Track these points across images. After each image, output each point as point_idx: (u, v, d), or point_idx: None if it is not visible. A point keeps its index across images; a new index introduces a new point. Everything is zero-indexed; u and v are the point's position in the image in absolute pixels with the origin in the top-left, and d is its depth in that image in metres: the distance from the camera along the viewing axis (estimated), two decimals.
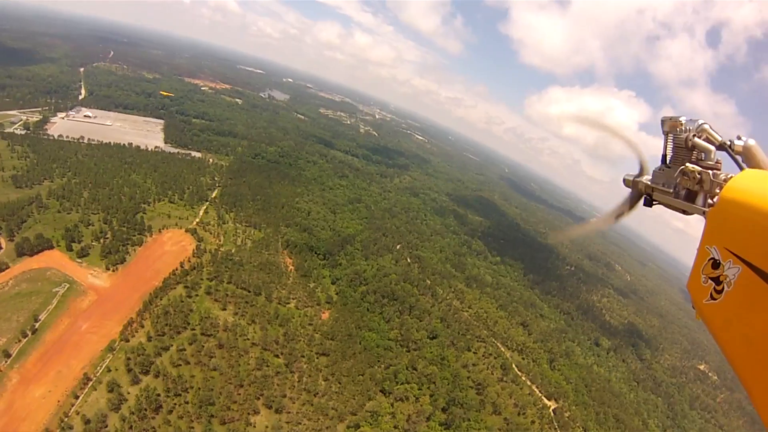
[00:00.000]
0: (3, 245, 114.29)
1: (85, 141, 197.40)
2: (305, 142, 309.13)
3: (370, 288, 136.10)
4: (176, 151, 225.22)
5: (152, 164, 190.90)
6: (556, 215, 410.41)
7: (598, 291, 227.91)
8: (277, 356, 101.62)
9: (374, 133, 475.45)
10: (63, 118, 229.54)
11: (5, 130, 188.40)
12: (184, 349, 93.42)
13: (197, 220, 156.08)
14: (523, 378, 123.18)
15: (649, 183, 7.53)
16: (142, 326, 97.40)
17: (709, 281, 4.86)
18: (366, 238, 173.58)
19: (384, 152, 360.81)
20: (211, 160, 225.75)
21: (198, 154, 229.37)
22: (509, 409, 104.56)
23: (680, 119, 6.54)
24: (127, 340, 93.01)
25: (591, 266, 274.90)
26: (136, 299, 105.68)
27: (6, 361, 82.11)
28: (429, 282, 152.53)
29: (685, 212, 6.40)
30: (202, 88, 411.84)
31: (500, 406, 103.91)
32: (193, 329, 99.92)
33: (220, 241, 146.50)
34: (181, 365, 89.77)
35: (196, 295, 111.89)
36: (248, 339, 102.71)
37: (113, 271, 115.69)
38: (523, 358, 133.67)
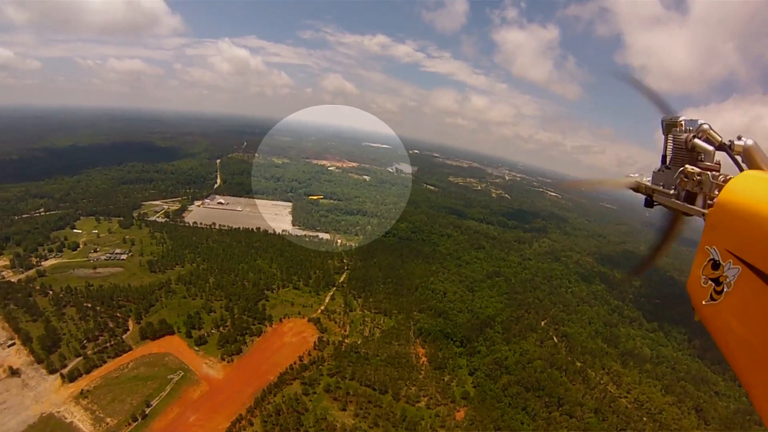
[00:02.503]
0: (130, 327, 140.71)
1: (217, 227, 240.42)
2: (437, 214, 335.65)
3: (513, 378, 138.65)
4: (303, 233, 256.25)
5: (278, 248, 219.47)
6: None
7: None
8: None
9: (506, 196, 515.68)
10: (199, 206, 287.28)
11: (149, 218, 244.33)
12: None
13: (322, 307, 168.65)
14: None
15: (649, 184, 8.79)
16: (251, 424, 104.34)
17: (709, 282, 5.69)
18: (507, 318, 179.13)
19: (519, 216, 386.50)
20: (339, 241, 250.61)
21: (326, 236, 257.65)
22: None
23: (680, 120, 7.76)
24: None
25: None
26: (249, 394, 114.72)
27: None
28: (579, 365, 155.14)
29: (685, 214, 7.51)
30: (329, 168, 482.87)
31: None
32: (306, 431, 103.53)
33: (345, 331, 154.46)
34: None
35: (314, 393, 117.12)
36: None
37: (228, 362, 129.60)
38: None
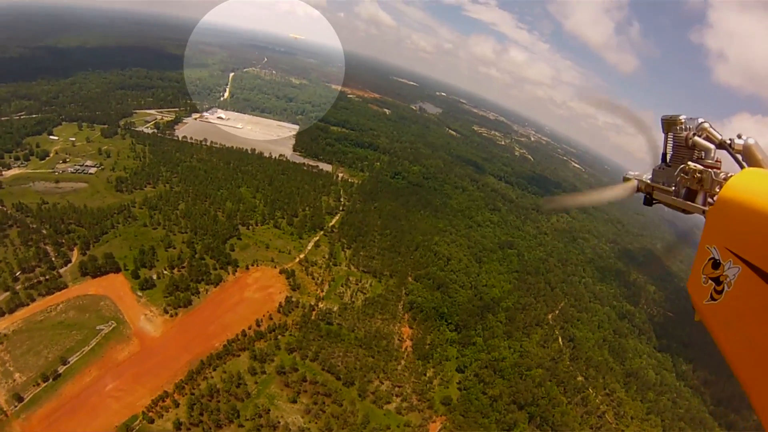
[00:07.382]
0: (73, 259, 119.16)
1: (208, 143, 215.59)
2: (455, 162, 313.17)
3: (506, 388, 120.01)
4: (303, 161, 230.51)
5: (269, 175, 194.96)
6: None
7: None
8: None
9: (529, 157, 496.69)
10: (196, 119, 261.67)
11: (136, 128, 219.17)
12: None
13: (301, 256, 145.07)
14: None
15: (649, 182, 8.70)
16: (177, 405, 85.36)
17: (709, 281, 5.60)
18: (513, 304, 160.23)
19: (541, 182, 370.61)
20: (341, 175, 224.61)
21: (327, 167, 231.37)
22: None
23: (680, 118, 7.62)
24: (151, 421, 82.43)
25: None
26: (184, 362, 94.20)
27: (15, 406, 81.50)
28: (581, 379, 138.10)
29: (685, 211, 7.40)
30: (349, 96, 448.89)
31: None
32: (241, 425, 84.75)
33: (322, 291, 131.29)
34: None
35: (263, 373, 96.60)
36: None
37: (172, 315, 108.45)
38: None
